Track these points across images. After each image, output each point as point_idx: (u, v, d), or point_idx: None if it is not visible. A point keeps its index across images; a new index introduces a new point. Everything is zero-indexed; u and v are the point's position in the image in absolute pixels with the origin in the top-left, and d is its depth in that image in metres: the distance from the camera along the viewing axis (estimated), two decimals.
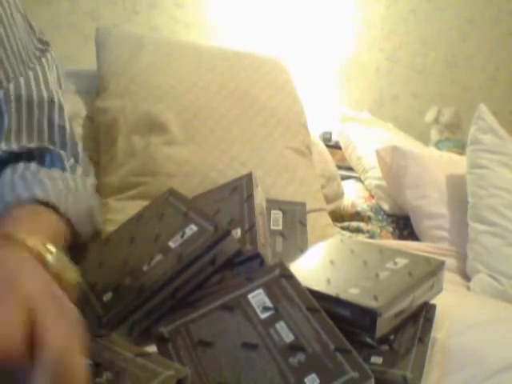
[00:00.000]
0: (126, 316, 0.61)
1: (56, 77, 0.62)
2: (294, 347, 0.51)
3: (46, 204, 0.47)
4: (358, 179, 1.75)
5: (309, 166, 1.29)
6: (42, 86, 0.57)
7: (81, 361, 0.32)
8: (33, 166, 0.52)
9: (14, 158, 0.53)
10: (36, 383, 0.30)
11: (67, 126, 0.58)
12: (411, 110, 2.53)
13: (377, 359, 0.56)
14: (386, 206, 1.59)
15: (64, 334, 0.33)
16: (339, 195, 1.51)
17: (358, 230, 1.51)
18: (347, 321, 0.59)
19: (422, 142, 2.10)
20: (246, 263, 0.66)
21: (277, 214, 0.88)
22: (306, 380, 0.47)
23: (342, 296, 0.60)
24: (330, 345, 0.50)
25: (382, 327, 0.58)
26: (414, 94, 2.54)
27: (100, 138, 1.14)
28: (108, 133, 1.12)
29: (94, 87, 1.22)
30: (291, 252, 0.80)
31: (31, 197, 0.46)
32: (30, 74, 0.57)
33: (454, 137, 2.19)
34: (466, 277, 1.28)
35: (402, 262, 0.69)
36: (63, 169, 0.53)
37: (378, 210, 1.59)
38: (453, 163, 1.64)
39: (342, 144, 1.85)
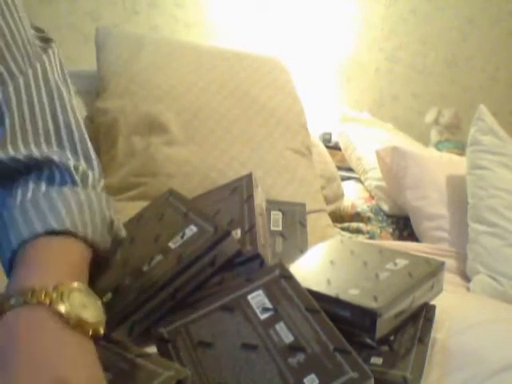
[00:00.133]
0: (126, 316, 0.61)
1: (59, 71, 0.61)
2: (294, 348, 0.51)
3: (63, 232, 0.46)
4: (358, 180, 1.75)
5: (309, 167, 1.29)
6: (42, 85, 0.57)
7: None
8: (43, 185, 0.51)
9: (23, 167, 0.52)
10: None
11: (72, 121, 0.57)
12: (411, 110, 2.53)
13: (377, 360, 0.56)
14: (385, 207, 1.59)
15: None
16: (339, 196, 1.51)
17: (358, 231, 1.51)
18: (347, 321, 0.59)
19: (422, 142, 2.10)
20: (246, 264, 0.66)
21: (277, 215, 0.88)
22: (305, 380, 0.47)
23: (342, 297, 0.60)
24: (329, 345, 0.50)
25: (382, 328, 0.58)
26: (414, 94, 2.54)
27: (100, 139, 1.14)
28: (108, 133, 1.12)
29: (93, 87, 1.22)
30: (291, 253, 0.80)
31: (46, 229, 0.46)
32: (30, 72, 0.56)
33: (454, 138, 2.19)
34: (466, 277, 1.28)
35: (401, 262, 0.69)
36: (73, 183, 0.52)
37: (377, 210, 1.59)
38: (453, 164, 1.64)
39: (341, 145, 1.85)
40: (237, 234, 0.70)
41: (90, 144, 0.57)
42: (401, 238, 1.54)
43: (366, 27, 2.40)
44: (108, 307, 0.62)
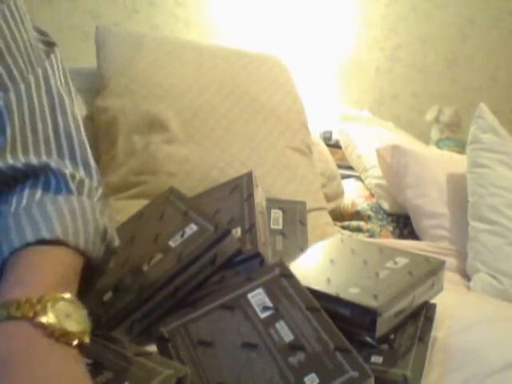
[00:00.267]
0: (126, 316, 0.61)
1: (62, 77, 0.61)
2: (294, 347, 0.51)
3: (55, 241, 0.47)
4: (359, 178, 1.75)
5: (309, 165, 1.29)
6: (43, 91, 0.57)
7: None
8: (38, 193, 0.51)
9: (20, 175, 0.52)
10: None
11: (73, 128, 0.57)
12: (411, 109, 2.53)
13: (377, 358, 0.56)
14: (386, 205, 1.59)
15: None
16: (339, 194, 1.51)
17: (358, 229, 1.51)
18: (347, 320, 0.59)
19: (423, 141, 2.10)
20: (246, 262, 0.66)
21: (277, 213, 0.88)
22: (305, 379, 0.47)
23: (342, 295, 0.60)
24: (329, 344, 0.50)
25: (382, 326, 0.58)
26: (414, 93, 2.54)
27: (100, 137, 1.14)
28: (108, 132, 1.12)
29: (94, 86, 1.22)
30: (291, 251, 0.80)
31: (37, 238, 0.46)
32: (32, 78, 0.56)
33: (455, 136, 2.19)
34: (466, 276, 1.28)
35: (402, 261, 0.69)
36: (69, 191, 0.52)
37: (378, 209, 1.59)
38: (453, 162, 1.64)
39: (342, 143, 1.84)
40: (237, 232, 0.70)
41: (89, 152, 0.58)
42: (401, 236, 1.54)
43: (365, 27, 2.40)
44: (108, 306, 0.62)
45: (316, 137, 1.64)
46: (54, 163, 0.53)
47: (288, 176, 1.20)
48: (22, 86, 0.55)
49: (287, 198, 1.04)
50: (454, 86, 2.59)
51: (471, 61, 2.59)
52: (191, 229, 0.66)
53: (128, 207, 0.99)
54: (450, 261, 1.29)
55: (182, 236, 0.65)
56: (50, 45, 0.63)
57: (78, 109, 0.61)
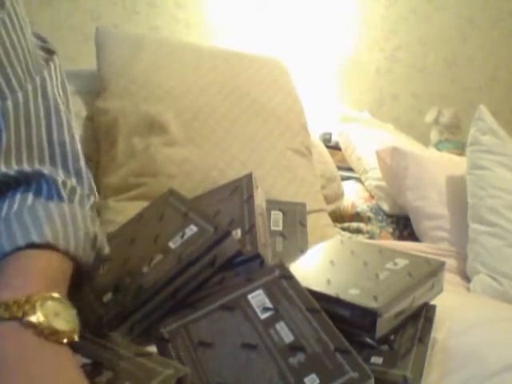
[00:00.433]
0: (126, 316, 0.61)
1: (60, 85, 0.61)
2: (294, 347, 0.51)
3: (45, 245, 0.47)
4: (358, 180, 1.75)
5: (309, 167, 1.29)
6: (40, 101, 0.57)
7: None
8: (30, 198, 0.52)
9: (13, 181, 0.53)
10: None
11: (67, 138, 0.57)
12: (411, 109, 2.53)
13: (377, 359, 0.56)
14: (385, 207, 1.59)
15: None
16: (339, 196, 1.51)
17: (358, 231, 1.51)
18: (347, 321, 0.59)
19: (422, 142, 2.10)
20: (246, 264, 0.66)
21: (277, 215, 0.88)
22: (305, 380, 0.47)
23: (342, 296, 0.60)
24: (329, 345, 0.50)
25: (382, 327, 0.58)
26: (414, 94, 2.54)
27: (100, 139, 1.14)
28: (108, 133, 1.12)
29: (94, 87, 1.22)
30: (291, 252, 0.80)
31: (27, 242, 0.47)
32: (29, 87, 0.56)
33: (454, 138, 2.19)
34: (466, 277, 1.28)
35: (402, 262, 0.69)
36: (60, 198, 0.52)
37: (377, 210, 1.59)
38: (453, 164, 1.64)
39: (342, 145, 1.84)
40: (237, 233, 0.70)
41: (83, 161, 0.59)
42: (401, 237, 1.54)
43: (365, 27, 2.40)
44: (108, 307, 0.62)
45: (316, 138, 1.65)
46: (46, 171, 0.54)
47: (288, 177, 1.20)
48: (20, 95, 0.55)
49: (287, 199, 1.04)
50: (453, 86, 2.59)
51: (471, 61, 2.59)
52: (191, 230, 0.66)
53: (128, 209, 0.99)
54: (450, 262, 1.29)
55: (182, 237, 0.66)
56: (49, 52, 0.63)
57: (74, 119, 0.61)
